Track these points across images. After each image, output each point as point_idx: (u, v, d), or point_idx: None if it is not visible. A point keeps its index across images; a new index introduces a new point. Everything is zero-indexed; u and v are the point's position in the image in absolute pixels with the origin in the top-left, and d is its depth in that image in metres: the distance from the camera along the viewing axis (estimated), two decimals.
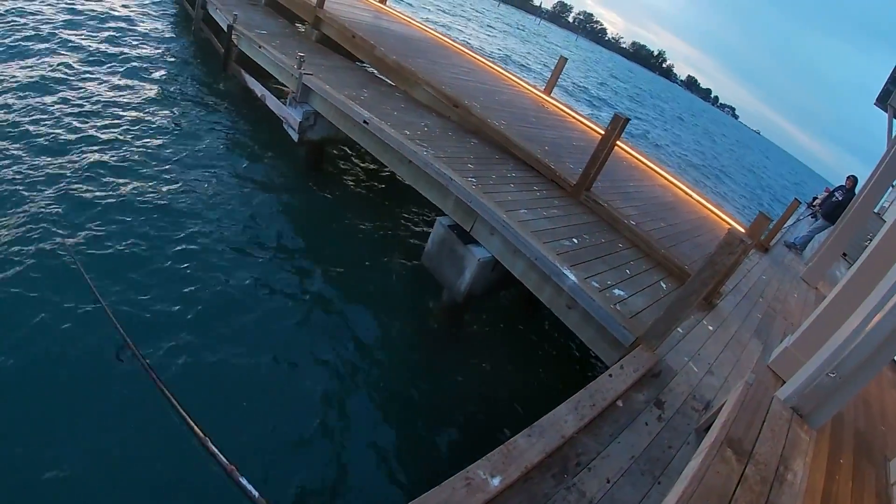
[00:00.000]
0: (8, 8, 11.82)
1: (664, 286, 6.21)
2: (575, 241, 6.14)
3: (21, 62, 9.89)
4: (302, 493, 4.49)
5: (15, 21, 11.38)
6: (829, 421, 4.21)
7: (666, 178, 11.22)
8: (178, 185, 8.07)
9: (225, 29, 11.75)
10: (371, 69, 11.61)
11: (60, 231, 6.27)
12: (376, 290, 7.26)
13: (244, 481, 1.17)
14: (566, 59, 13.74)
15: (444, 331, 6.79)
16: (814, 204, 13.73)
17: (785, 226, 12.57)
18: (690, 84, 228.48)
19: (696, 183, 19.16)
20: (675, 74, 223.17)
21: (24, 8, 12.22)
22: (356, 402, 5.65)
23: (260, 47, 10.21)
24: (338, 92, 8.17)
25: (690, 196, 10.73)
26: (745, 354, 5.76)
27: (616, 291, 5.47)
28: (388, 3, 18.15)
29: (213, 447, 1.32)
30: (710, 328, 5.98)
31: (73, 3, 14.00)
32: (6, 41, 10.40)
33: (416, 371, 6.26)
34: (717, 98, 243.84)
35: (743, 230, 8.60)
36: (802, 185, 58.34)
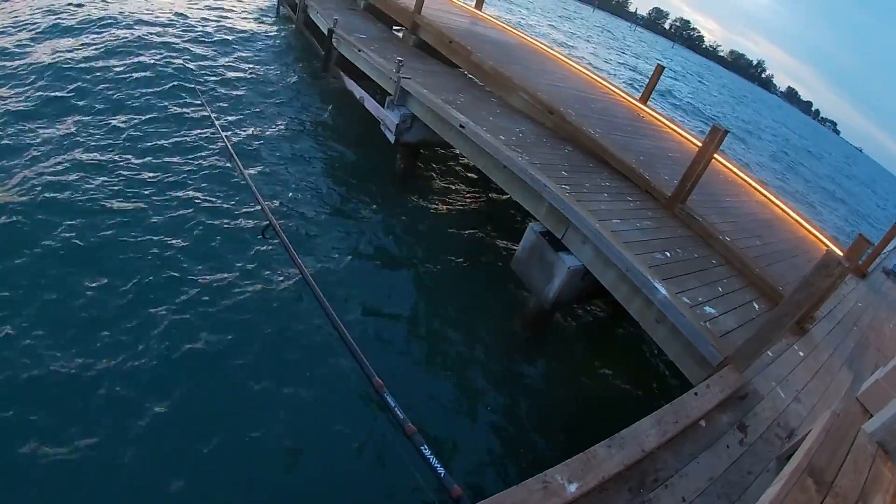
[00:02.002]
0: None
1: (756, 307, 6.07)
2: (667, 254, 6.10)
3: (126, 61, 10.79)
4: None
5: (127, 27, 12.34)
6: None
7: (764, 195, 10.89)
8: (275, 179, 8.66)
9: (325, 33, 12.21)
10: (467, 74, 11.78)
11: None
12: (465, 292, 7.46)
13: (390, 400, 1.28)
14: (663, 67, 13.49)
15: (530, 336, 6.88)
16: None
17: (885, 250, 11.91)
18: (790, 96, 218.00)
19: (795, 200, 18.41)
20: (775, 85, 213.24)
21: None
22: (438, 395, 5.90)
23: (359, 51, 10.57)
24: (435, 96, 8.37)
25: (788, 214, 10.37)
26: (834, 384, 5.57)
27: (707, 309, 5.41)
28: (483, 8, 18.28)
29: (365, 361, 1.46)
30: (801, 354, 5.82)
31: (181, 9, 14.96)
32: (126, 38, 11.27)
33: (499, 373, 6.41)
34: (818, 111, 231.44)
35: (841, 253, 8.28)
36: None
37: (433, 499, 3.94)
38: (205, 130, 9.22)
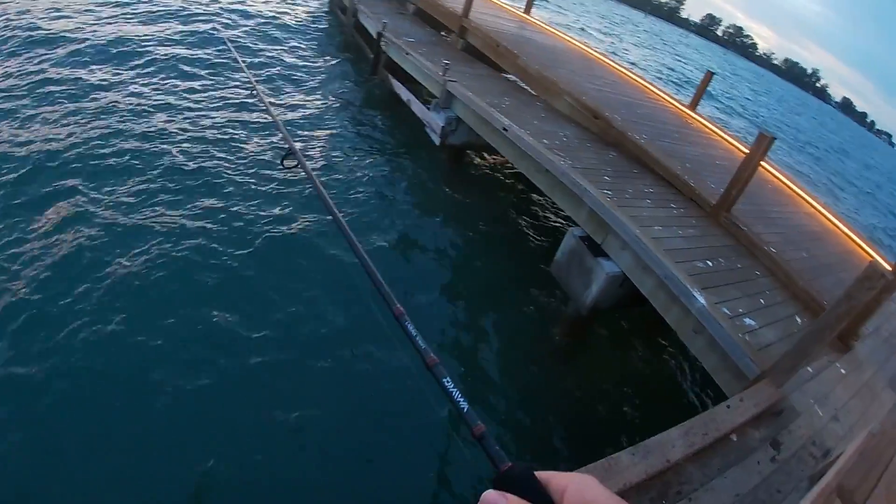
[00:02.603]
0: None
1: (799, 320, 5.95)
2: (709, 263, 6.03)
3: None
4: None
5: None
6: None
7: (813, 206, 10.63)
8: (324, 170, 9.05)
9: (374, 36, 12.37)
10: (513, 78, 11.80)
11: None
12: (504, 294, 7.49)
13: (410, 327, 1.31)
14: (712, 74, 13.30)
15: (565, 341, 6.88)
16: None
17: None
18: (846, 107, 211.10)
19: (844, 212, 17.95)
20: (830, 95, 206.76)
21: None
22: (467, 395, 5.90)
23: (407, 54, 10.69)
24: (480, 99, 8.44)
25: (837, 227, 10.10)
26: (875, 404, 5.39)
27: (746, 321, 5.33)
28: (532, 12, 18.24)
29: (386, 288, 1.50)
30: (843, 371, 5.66)
31: (240, 8, 15.51)
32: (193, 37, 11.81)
33: (532, 375, 6.42)
34: (873, 123, 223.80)
35: (889, 267, 8.05)
36: None
37: (454, 433, 4.02)
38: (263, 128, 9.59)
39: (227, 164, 8.27)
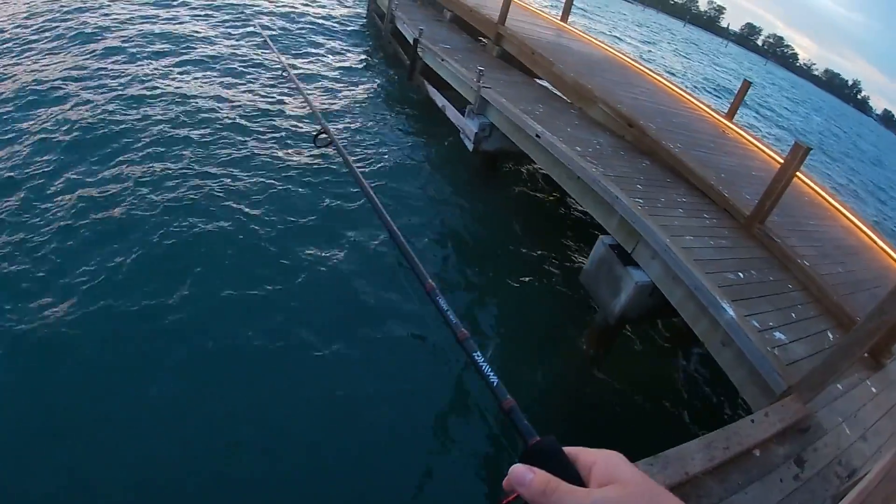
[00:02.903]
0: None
1: (831, 336, 5.85)
2: (741, 275, 5.97)
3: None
4: None
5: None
6: None
7: (851, 220, 10.43)
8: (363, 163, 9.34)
9: (411, 42, 12.50)
10: (549, 85, 11.81)
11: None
12: (532, 301, 7.52)
13: (442, 302, 1.36)
14: (750, 83, 13.14)
15: (593, 349, 6.87)
16: None
17: None
18: (887, 119, 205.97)
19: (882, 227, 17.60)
20: (871, 107, 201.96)
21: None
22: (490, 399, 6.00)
23: (442, 60, 10.79)
24: (514, 105, 8.49)
25: (875, 242, 9.90)
26: None
27: (776, 335, 5.27)
28: (568, 20, 18.20)
29: (418, 264, 1.56)
30: (874, 390, 5.54)
31: (281, 10, 15.89)
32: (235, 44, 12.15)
33: (556, 384, 6.45)
34: None
35: None
36: None
37: (483, 408, 4.07)
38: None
39: (265, 147, 8.86)
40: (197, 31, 12.64)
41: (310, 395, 5.15)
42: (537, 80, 12.13)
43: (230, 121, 9.38)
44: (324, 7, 18.49)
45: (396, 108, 12.21)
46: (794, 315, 5.80)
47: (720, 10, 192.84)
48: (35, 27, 11.07)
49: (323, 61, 13.51)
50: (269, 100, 10.59)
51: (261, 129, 9.46)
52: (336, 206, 7.88)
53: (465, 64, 10.62)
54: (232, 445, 4.56)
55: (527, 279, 7.90)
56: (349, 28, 17.17)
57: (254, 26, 13.33)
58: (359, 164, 9.14)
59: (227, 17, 14.15)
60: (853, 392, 5.31)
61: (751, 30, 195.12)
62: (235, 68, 11.59)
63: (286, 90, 11.01)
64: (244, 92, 10.62)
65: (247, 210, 7.17)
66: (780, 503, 3.64)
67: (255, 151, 8.66)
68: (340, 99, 11.74)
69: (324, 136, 3.35)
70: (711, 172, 8.30)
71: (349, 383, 5.32)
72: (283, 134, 9.55)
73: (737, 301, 5.33)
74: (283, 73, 7.51)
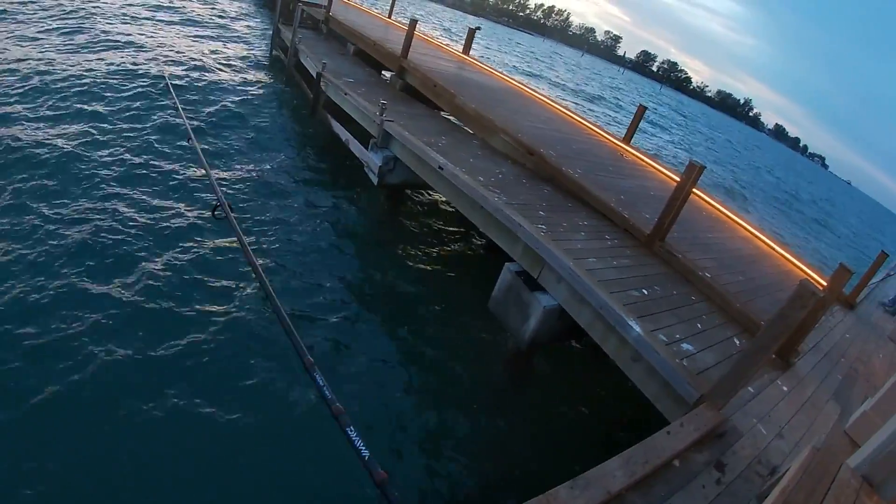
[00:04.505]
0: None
1: (737, 342, 5.98)
2: (645, 291, 6.05)
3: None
4: None
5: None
6: None
7: (748, 230, 10.88)
8: (262, 217, 8.78)
9: (314, 76, 12.41)
10: (451, 118, 11.91)
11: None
12: (443, 334, 7.40)
13: (319, 379, 1.26)
14: (645, 108, 13.68)
15: (507, 377, 6.79)
16: None
17: (872, 281, 11.82)
18: (778, 133, 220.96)
19: (780, 235, 18.55)
20: (763, 123, 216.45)
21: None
22: (411, 434, 5.87)
23: (346, 94, 10.72)
24: (416, 138, 8.46)
25: (774, 249, 10.35)
26: (820, 418, 5.44)
27: (684, 346, 5.33)
28: (470, 53, 18.61)
29: (298, 339, 1.47)
30: (784, 389, 5.70)
31: (180, 45, 15.48)
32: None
33: (473, 412, 6.32)
34: (805, 147, 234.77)
35: (823, 284, 8.24)
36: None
37: (357, 481, 3.83)
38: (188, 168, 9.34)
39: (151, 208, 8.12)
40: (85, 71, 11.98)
41: (173, 471, 4.69)
42: (441, 113, 12.22)
43: (115, 176, 8.69)
44: (226, 41, 18.28)
45: (298, 144, 12.07)
46: (699, 325, 5.91)
47: (616, 39, 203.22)
48: None
49: (222, 97, 13.11)
50: (166, 170, 9.51)
51: (149, 191, 8.58)
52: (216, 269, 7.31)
53: (368, 97, 10.58)
54: None
55: (433, 313, 7.81)
56: (250, 62, 16.95)
57: (160, 75, 12.61)
58: (254, 209, 8.83)
59: (119, 59, 13.44)
60: (765, 393, 5.45)
61: (646, 57, 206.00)
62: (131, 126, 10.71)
63: (188, 160, 9.97)
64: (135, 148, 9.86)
65: (122, 283, 6.54)
66: None
67: (142, 220, 7.85)
68: (239, 136, 11.40)
69: (220, 211, 3.26)
70: (611, 195, 8.48)
71: (214, 459, 4.86)
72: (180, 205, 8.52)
73: (643, 317, 5.37)
74: (188, 142, 7.08)
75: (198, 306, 6.49)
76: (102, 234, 7.18)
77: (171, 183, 8.89)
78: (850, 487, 3.43)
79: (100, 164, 8.73)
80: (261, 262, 7.32)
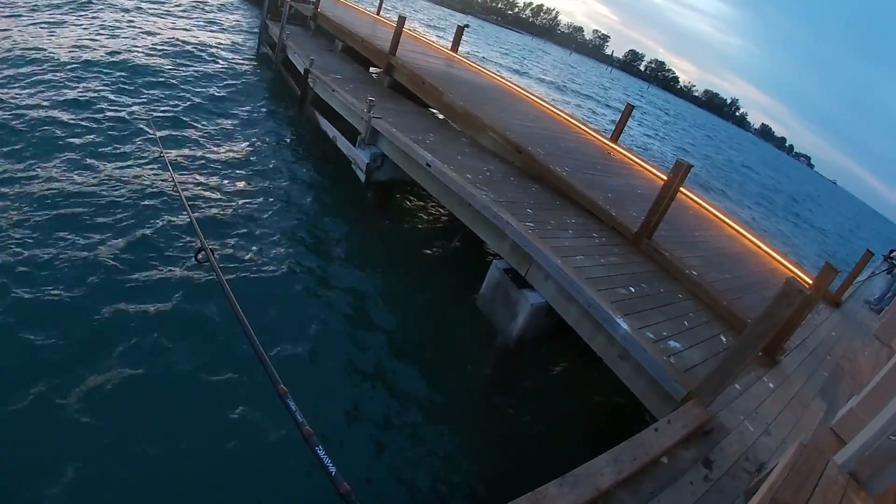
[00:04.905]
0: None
1: (724, 340, 6.01)
2: (632, 289, 6.05)
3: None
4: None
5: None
6: (893, 488, 3.94)
7: (734, 229, 10.94)
8: (249, 217, 8.65)
9: (302, 73, 12.34)
10: (440, 115, 11.89)
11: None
12: (431, 330, 7.39)
13: (292, 405, 1.28)
14: (633, 107, 13.73)
15: (495, 374, 6.78)
16: (891, 257, 12.90)
17: (858, 279, 11.94)
18: (765, 133, 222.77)
19: (766, 234, 18.64)
20: (749, 123, 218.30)
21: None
22: (400, 432, 5.85)
23: (333, 91, 10.67)
24: (404, 135, 8.42)
25: (760, 248, 10.41)
26: (806, 415, 5.48)
27: (671, 343, 5.34)
28: (458, 50, 18.60)
29: (271, 367, 1.47)
30: (771, 386, 5.73)
31: (166, 42, 15.28)
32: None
33: (462, 411, 6.33)
34: (791, 147, 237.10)
35: (809, 282, 8.29)
36: (886, 238, 55.53)
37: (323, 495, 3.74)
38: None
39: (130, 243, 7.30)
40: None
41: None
42: (428, 110, 12.20)
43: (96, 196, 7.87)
44: (214, 37, 18.12)
45: (285, 142, 11.94)
46: (686, 323, 5.93)
47: (605, 38, 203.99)
48: None
49: (209, 92, 12.94)
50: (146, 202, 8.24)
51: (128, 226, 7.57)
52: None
53: (356, 94, 10.53)
54: None
55: (422, 311, 7.82)
56: (238, 58, 16.79)
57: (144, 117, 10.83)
58: (239, 214, 8.65)
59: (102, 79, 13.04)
60: (752, 390, 5.48)
61: (634, 56, 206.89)
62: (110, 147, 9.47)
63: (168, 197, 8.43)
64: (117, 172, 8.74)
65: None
66: None
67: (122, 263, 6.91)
68: (226, 132, 11.27)
69: (202, 254, 3.26)
70: (599, 193, 8.49)
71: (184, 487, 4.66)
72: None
73: (630, 315, 5.38)
74: (173, 191, 6.56)
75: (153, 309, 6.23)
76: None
77: (153, 226, 7.72)
78: (837, 484, 3.45)
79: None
80: (239, 264, 7.28)
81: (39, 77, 10.74)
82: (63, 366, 5.18)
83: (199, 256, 3.30)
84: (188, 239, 7.50)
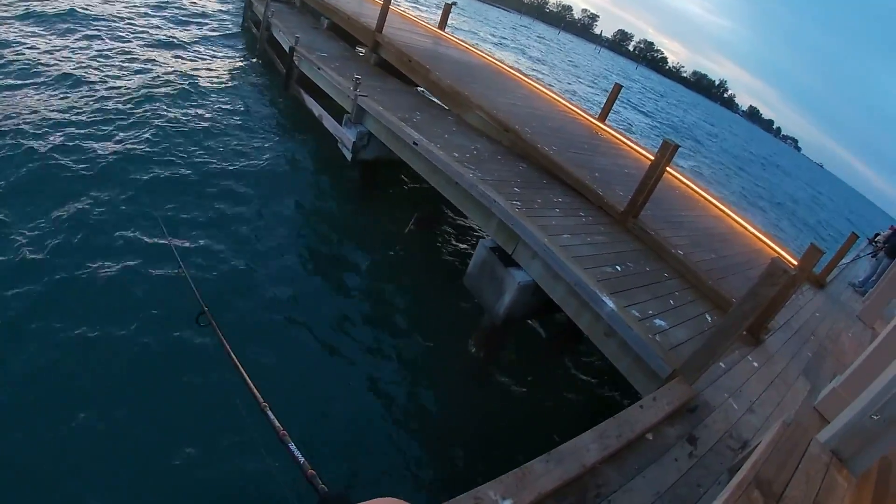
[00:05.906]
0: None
1: (709, 319, 6.05)
2: (618, 268, 6.06)
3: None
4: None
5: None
6: (875, 467, 3.99)
7: (720, 209, 10.98)
8: (236, 197, 8.52)
9: (287, 50, 12.16)
10: (427, 93, 11.78)
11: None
12: (419, 309, 7.40)
13: (292, 447, 1.29)
14: (621, 87, 13.67)
15: (482, 352, 6.79)
16: (876, 240, 13.06)
17: (842, 262, 12.06)
18: (752, 115, 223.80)
19: (753, 214, 18.71)
20: (737, 105, 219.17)
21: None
22: (389, 410, 5.86)
23: (319, 69, 10.53)
24: (391, 114, 8.33)
25: (745, 228, 10.46)
26: (790, 394, 5.53)
27: (657, 322, 5.36)
28: (445, 28, 18.41)
29: (270, 413, 1.48)
30: (755, 364, 5.78)
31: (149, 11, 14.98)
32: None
33: (449, 389, 6.35)
34: (779, 129, 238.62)
35: (794, 263, 8.35)
36: (872, 221, 55.97)
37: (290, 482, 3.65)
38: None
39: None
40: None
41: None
42: (416, 88, 12.10)
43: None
44: (198, 10, 17.79)
45: (271, 120, 11.74)
46: (672, 302, 5.95)
47: (594, 17, 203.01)
48: None
49: (192, 70, 12.73)
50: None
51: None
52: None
53: (342, 72, 10.39)
54: None
55: (410, 289, 7.78)
56: (221, 35, 16.48)
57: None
58: (226, 196, 8.48)
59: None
60: (736, 368, 5.53)
61: (623, 36, 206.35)
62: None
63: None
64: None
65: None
66: (677, 482, 3.68)
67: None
68: (211, 110, 11.03)
69: (204, 319, 3.21)
70: (586, 172, 8.47)
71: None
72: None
73: (616, 293, 5.38)
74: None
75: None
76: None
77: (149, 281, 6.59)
78: (819, 461, 3.49)
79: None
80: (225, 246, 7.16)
81: None
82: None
83: (199, 319, 3.22)
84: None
